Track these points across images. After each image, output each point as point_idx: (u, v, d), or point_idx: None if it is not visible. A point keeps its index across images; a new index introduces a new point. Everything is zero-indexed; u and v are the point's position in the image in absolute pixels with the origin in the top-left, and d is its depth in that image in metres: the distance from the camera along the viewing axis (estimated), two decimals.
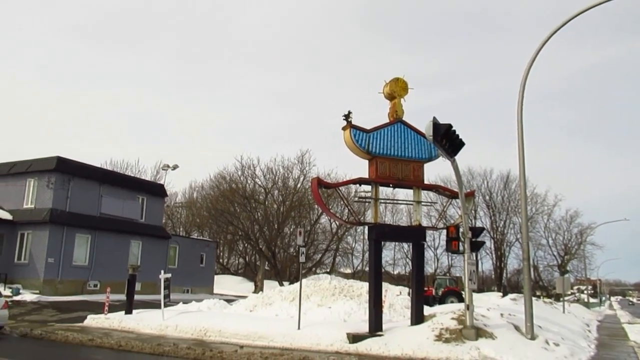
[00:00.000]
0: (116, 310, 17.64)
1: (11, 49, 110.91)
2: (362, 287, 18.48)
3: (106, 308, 17.45)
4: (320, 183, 13.92)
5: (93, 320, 16.84)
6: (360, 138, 13.94)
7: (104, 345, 13.23)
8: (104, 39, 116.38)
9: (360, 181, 14.25)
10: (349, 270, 59.12)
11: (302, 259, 15.27)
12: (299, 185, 46.16)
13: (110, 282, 23.04)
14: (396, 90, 14.76)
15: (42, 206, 27.19)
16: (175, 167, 44.66)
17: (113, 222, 29.95)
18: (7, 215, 27.32)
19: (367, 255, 45.03)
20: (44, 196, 27.34)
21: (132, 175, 50.09)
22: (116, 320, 16.45)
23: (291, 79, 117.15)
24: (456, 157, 11.98)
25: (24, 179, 28.20)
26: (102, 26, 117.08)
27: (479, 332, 12.38)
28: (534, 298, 16.73)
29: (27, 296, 23.68)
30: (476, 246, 14.16)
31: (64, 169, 27.75)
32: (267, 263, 47.47)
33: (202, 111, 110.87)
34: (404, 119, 14.72)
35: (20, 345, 13.27)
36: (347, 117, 13.83)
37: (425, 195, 15.07)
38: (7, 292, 24.07)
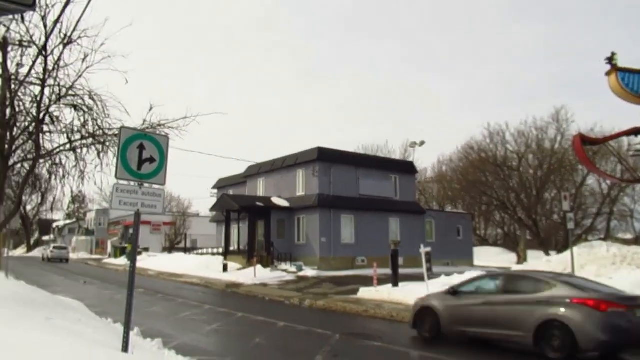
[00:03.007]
0: (383, 284, 18.81)
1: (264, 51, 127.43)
2: None
3: (375, 282, 18.77)
4: (583, 139, 12.45)
5: (365, 293, 18.30)
6: (631, 81, 11.90)
7: (377, 316, 14.28)
8: (349, 30, 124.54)
9: (635, 131, 12.21)
10: (629, 236, 51.48)
11: (570, 225, 13.92)
12: (556, 146, 42.04)
13: (374, 258, 24.68)
14: None
15: (311, 192, 30.71)
16: (422, 144, 45.35)
17: (371, 202, 32.02)
18: (285, 203, 31.66)
19: None
20: (312, 183, 30.81)
21: (383, 156, 52.72)
22: (385, 293, 17.56)
23: (539, 29, 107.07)
24: None
25: (294, 170, 32.27)
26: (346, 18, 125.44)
27: None
28: None
29: (309, 272, 27.13)
30: None
31: (325, 158, 30.78)
32: (528, 232, 44.64)
33: (441, 83, 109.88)
34: None
35: (309, 314, 15.25)
36: (610, 59, 11.97)
37: None
38: (293, 268, 28.00)
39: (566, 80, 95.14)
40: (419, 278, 18.79)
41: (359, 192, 31.82)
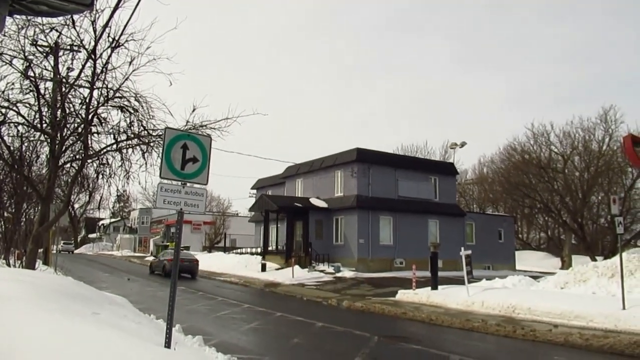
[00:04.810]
0: (422, 286, 18.61)
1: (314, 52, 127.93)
2: None
3: (414, 284, 18.58)
4: (635, 140, 11.93)
5: (403, 295, 18.14)
6: None
7: (416, 319, 14.13)
8: (392, 31, 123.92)
9: None
10: None
11: (619, 230, 13.39)
12: (604, 148, 40.50)
13: (413, 260, 24.36)
14: None
15: (349, 193, 30.65)
16: (463, 145, 44.63)
17: (410, 204, 31.69)
18: (323, 204, 31.71)
19: None
20: (350, 184, 30.75)
21: (422, 157, 52.13)
22: (424, 296, 17.36)
23: (582, 29, 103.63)
24: None
25: (332, 171, 32.28)
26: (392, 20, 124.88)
27: None
28: None
29: (346, 273, 27.07)
30: None
31: (364, 159, 30.66)
32: (573, 236, 43.23)
33: (483, 83, 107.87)
34: None
35: (347, 315, 15.22)
36: None
37: None
38: (330, 269, 27.99)
39: (615, 80, 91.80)
40: (458, 281, 18.51)
41: (398, 193, 31.54)
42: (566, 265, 37.06)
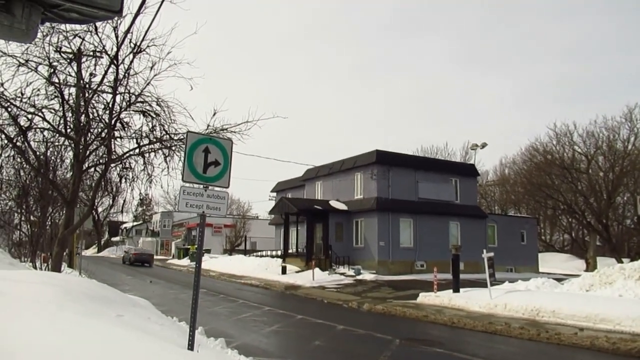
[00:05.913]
0: (443, 289, 18.43)
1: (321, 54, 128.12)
2: None
3: (435, 287, 18.42)
4: None
5: (425, 298, 17.99)
6: None
7: (438, 322, 14.00)
8: (398, 31, 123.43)
9: None
10: None
11: None
12: (629, 147, 39.70)
13: (434, 262, 24.11)
14: None
15: (369, 196, 30.56)
16: (484, 146, 44.11)
17: (431, 205, 31.46)
18: (343, 207, 31.66)
19: None
20: (370, 187, 30.66)
21: (442, 158, 51.74)
22: (446, 298, 17.19)
23: (582, 28, 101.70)
24: None
25: (352, 173, 32.23)
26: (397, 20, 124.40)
27: None
28: None
29: (367, 275, 26.98)
30: None
31: (383, 161, 30.55)
32: (598, 238, 42.42)
33: (504, 82, 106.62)
34: None
35: (368, 318, 15.16)
36: None
37: None
38: (351, 272, 27.91)
39: (620, 79, 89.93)
40: (480, 284, 18.32)
41: (418, 195, 31.35)
42: (591, 267, 36.40)
